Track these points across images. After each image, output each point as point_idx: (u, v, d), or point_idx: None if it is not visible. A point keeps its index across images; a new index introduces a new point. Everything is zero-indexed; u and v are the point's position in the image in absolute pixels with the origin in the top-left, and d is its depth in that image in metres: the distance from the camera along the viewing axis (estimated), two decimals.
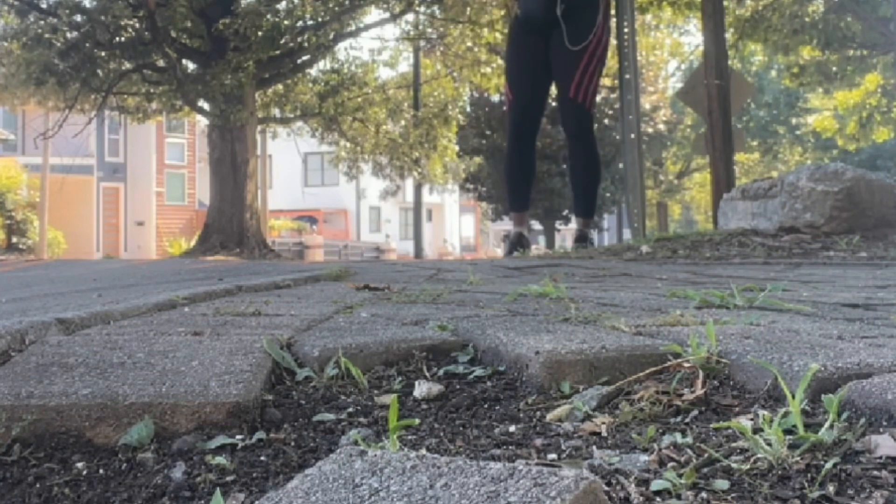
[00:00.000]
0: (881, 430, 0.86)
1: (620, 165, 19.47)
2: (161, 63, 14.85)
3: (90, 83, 14.46)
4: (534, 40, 5.87)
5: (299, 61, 16.14)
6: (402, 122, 18.59)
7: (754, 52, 26.89)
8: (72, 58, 13.92)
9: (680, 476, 0.77)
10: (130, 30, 13.79)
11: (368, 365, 1.27)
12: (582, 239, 6.49)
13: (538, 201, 27.74)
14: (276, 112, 18.27)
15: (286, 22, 14.36)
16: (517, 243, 6.24)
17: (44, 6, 14.24)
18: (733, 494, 0.74)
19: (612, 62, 17.53)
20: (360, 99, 17.67)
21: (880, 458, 0.80)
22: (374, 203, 38.16)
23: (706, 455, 0.83)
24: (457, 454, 0.90)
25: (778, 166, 35.06)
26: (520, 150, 6.18)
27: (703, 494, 0.74)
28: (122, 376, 1.09)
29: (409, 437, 0.96)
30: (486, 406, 1.09)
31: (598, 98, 25.28)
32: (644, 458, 0.83)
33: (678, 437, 0.89)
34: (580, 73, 5.79)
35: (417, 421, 1.00)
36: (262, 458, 0.91)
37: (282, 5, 14.99)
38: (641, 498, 0.73)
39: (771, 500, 0.73)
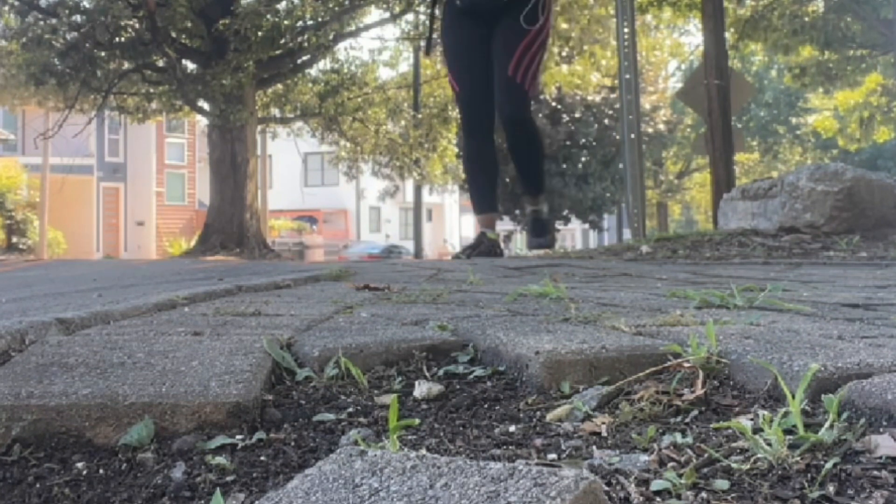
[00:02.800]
0: (881, 430, 0.86)
1: (620, 165, 19.47)
2: (161, 63, 14.86)
3: (90, 83, 14.47)
4: (475, 24, 5.31)
5: (299, 61, 16.15)
6: (402, 123, 18.60)
7: (754, 52, 26.91)
8: (71, 58, 13.92)
9: (680, 476, 0.77)
10: (130, 30, 13.80)
11: (368, 365, 1.27)
12: (539, 228, 5.61)
13: None
14: (276, 112, 18.29)
15: (286, 22, 14.37)
16: (479, 245, 5.40)
17: (43, 6, 14.23)
18: (733, 494, 0.74)
19: (612, 62, 17.58)
20: (360, 99, 17.69)
21: (880, 458, 0.80)
22: (374, 203, 38.16)
23: (706, 455, 0.83)
24: (457, 454, 0.90)
25: (778, 166, 35.08)
26: (476, 146, 5.53)
27: (703, 494, 0.74)
28: (122, 376, 1.09)
29: (409, 437, 0.96)
30: (486, 406, 1.09)
31: (598, 98, 25.05)
32: (644, 458, 0.83)
33: (678, 437, 0.89)
34: (521, 50, 5.20)
35: (417, 421, 1.00)
36: (262, 458, 0.91)
37: (282, 5, 15.00)
38: (641, 498, 0.73)
39: (771, 500, 0.73)
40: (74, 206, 28.09)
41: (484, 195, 5.60)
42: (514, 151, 5.49)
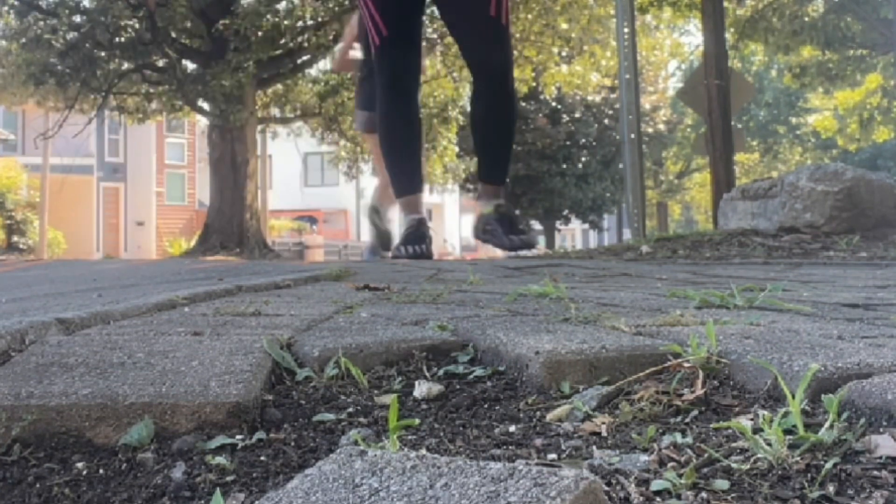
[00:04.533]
0: (881, 430, 0.86)
1: (620, 165, 19.48)
2: (161, 63, 14.87)
3: (90, 83, 14.48)
4: None
5: (299, 61, 16.17)
6: None
7: (754, 52, 26.93)
8: (71, 58, 13.94)
9: (680, 476, 0.77)
10: (130, 30, 13.81)
11: (368, 365, 1.27)
12: (513, 224, 4.34)
13: (538, 201, 27.73)
14: (276, 112, 18.30)
15: (286, 22, 14.38)
16: (418, 236, 4.30)
17: (43, 6, 14.24)
18: (733, 494, 0.74)
19: (612, 62, 17.59)
20: None
21: (880, 458, 0.80)
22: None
23: (706, 455, 0.83)
24: (457, 454, 0.90)
25: (778, 166, 35.12)
26: (405, 108, 4.40)
27: (703, 494, 0.74)
28: (122, 376, 1.09)
29: (409, 437, 0.96)
30: (486, 406, 1.09)
31: (598, 98, 24.93)
32: (644, 458, 0.83)
33: (678, 437, 0.89)
34: None
35: (417, 421, 1.00)
36: (262, 458, 0.91)
37: (282, 5, 15.01)
38: (641, 498, 0.73)
39: (771, 500, 0.73)
40: (74, 206, 28.10)
41: (415, 170, 4.53)
42: (491, 118, 4.39)
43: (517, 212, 28.63)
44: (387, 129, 4.44)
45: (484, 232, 4.37)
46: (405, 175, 4.49)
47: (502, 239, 4.23)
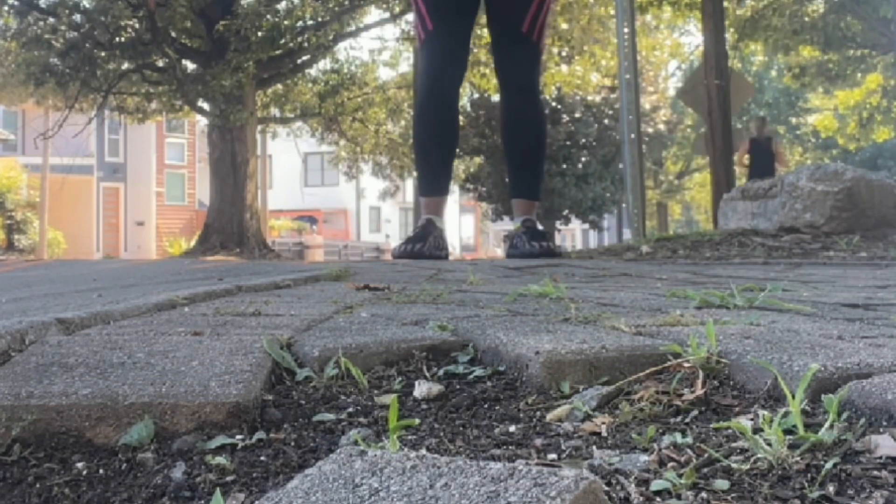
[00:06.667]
0: (881, 430, 0.86)
1: (620, 165, 19.49)
2: (161, 63, 14.87)
3: (90, 83, 14.48)
4: None
5: (299, 61, 16.17)
6: (402, 123, 18.61)
7: (754, 52, 26.93)
8: (71, 58, 13.94)
9: (680, 476, 0.77)
10: (130, 30, 13.82)
11: (368, 365, 1.27)
12: (538, 234, 4.41)
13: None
14: (276, 112, 18.31)
15: (286, 22, 14.38)
16: (421, 236, 4.33)
17: (43, 6, 14.24)
18: (733, 494, 0.74)
19: (612, 62, 17.58)
20: (360, 99, 17.71)
21: (880, 458, 0.80)
22: (374, 203, 38.19)
23: (706, 455, 0.83)
24: (457, 454, 0.90)
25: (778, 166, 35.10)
26: (441, 108, 4.38)
27: (703, 494, 0.74)
28: (122, 376, 1.09)
29: (409, 437, 0.96)
30: (486, 406, 1.09)
31: (598, 98, 25.08)
32: (644, 458, 0.83)
33: (678, 437, 0.89)
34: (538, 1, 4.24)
35: (417, 421, 1.00)
36: (262, 458, 0.90)
37: (282, 5, 15.02)
38: (641, 498, 0.73)
39: (771, 500, 0.73)
40: (74, 206, 28.10)
41: (442, 172, 4.52)
42: (517, 133, 4.46)
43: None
44: (422, 128, 4.48)
45: (511, 247, 4.49)
46: (430, 176, 4.54)
47: (524, 247, 4.33)
